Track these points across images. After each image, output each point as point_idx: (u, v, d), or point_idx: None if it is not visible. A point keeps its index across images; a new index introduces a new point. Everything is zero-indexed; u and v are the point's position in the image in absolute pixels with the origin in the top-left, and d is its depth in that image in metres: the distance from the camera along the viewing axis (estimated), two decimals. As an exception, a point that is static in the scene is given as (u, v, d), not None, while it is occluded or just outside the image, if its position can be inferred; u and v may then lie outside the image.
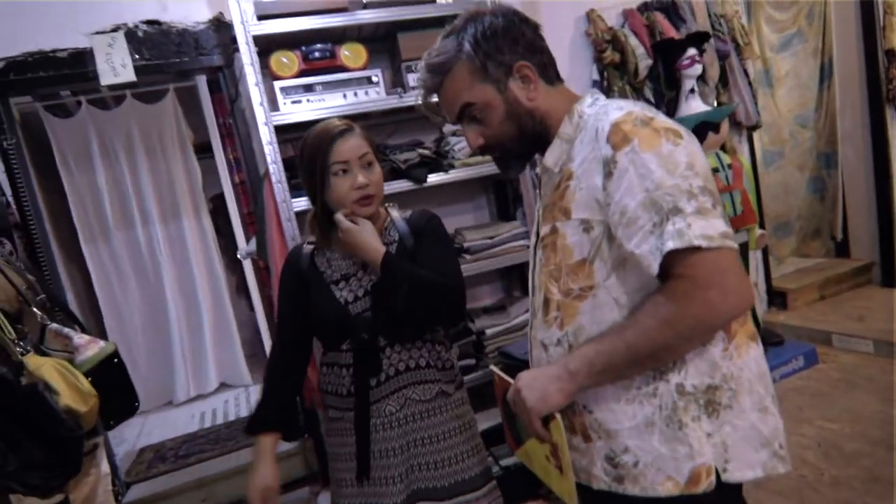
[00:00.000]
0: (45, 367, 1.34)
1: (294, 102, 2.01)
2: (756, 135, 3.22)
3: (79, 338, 1.50)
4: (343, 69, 2.08)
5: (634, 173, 0.74)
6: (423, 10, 2.11)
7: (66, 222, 3.29)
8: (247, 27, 1.88)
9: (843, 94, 3.42)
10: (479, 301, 2.57)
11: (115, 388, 1.52)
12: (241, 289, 4.11)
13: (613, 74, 2.64)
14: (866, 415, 2.19)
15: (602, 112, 0.82)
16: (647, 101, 2.71)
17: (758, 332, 0.88)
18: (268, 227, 2.08)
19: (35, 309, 1.49)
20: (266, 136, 1.94)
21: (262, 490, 1.14)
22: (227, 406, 3.30)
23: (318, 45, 2.05)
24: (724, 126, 2.61)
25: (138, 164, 3.41)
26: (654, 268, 0.73)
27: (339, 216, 1.14)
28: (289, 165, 1.96)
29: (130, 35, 2.05)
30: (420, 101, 0.97)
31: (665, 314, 0.73)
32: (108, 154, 3.35)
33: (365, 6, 2.08)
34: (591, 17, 2.63)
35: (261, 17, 1.94)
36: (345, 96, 2.06)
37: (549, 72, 0.89)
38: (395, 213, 1.25)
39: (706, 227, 0.71)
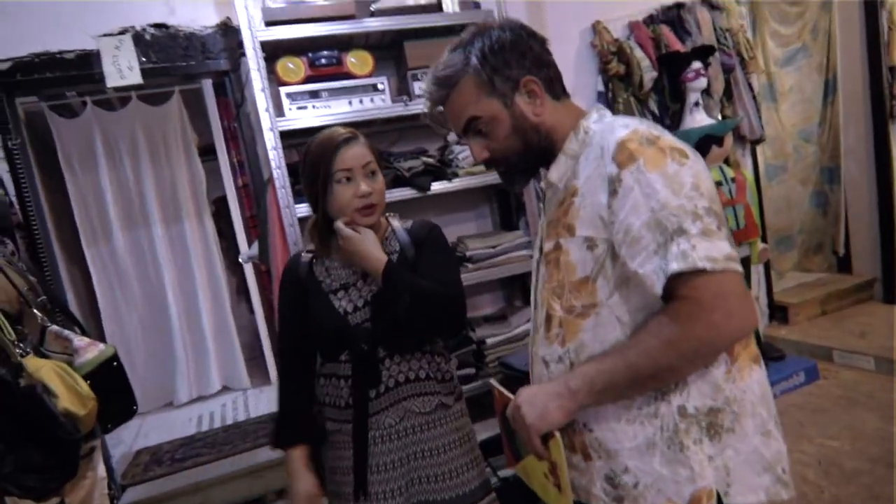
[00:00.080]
0: (44, 370, 1.33)
1: (299, 108, 2.02)
2: (759, 148, 3.23)
3: (78, 340, 1.50)
4: (349, 76, 2.09)
5: (640, 192, 0.73)
6: (429, 18, 2.12)
7: (68, 223, 3.29)
8: (254, 32, 1.88)
9: (847, 110, 3.42)
10: (479, 310, 2.57)
11: (113, 392, 1.52)
12: (241, 292, 4.10)
13: (618, 86, 2.65)
14: (867, 432, 2.18)
15: (608, 129, 0.81)
16: (652, 113, 2.72)
17: (759, 347, 0.87)
18: (270, 231, 2.08)
19: (35, 310, 1.49)
20: (271, 142, 1.94)
21: (307, 498, 1.16)
22: (224, 410, 3.28)
23: (325, 52, 2.06)
24: (728, 140, 2.62)
25: (142, 166, 3.41)
26: (658, 289, 0.72)
27: (340, 224, 1.13)
28: (293, 171, 1.97)
29: (138, 38, 2.06)
30: (426, 113, 0.96)
31: (668, 335, 0.73)
32: (112, 155, 3.36)
33: (372, 14, 2.09)
34: (596, 28, 2.64)
35: (268, 23, 1.95)
36: (350, 103, 2.07)
37: (555, 87, 0.89)
38: (396, 223, 1.24)
39: (711, 249, 0.70)
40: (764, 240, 3.02)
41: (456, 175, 2.18)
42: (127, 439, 2.97)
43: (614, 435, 0.82)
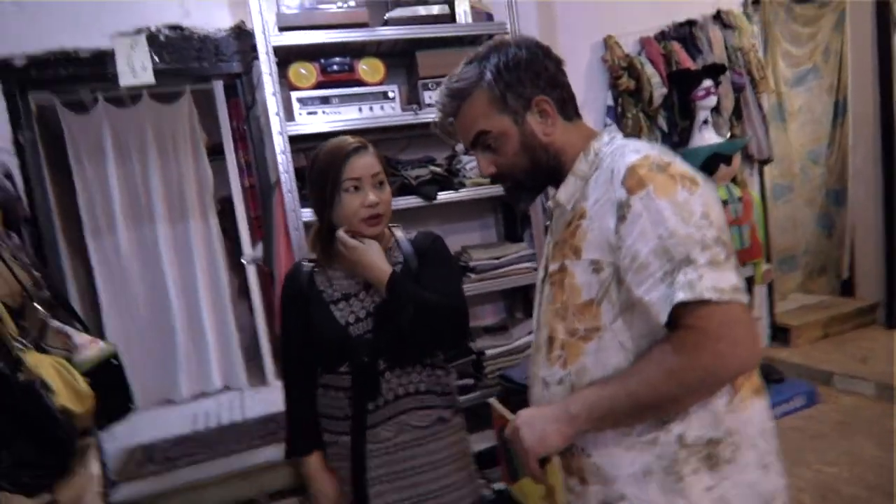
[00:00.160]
0: (43, 365, 1.33)
1: (310, 114, 2.03)
2: (766, 168, 3.22)
3: (79, 337, 1.50)
4: (360, 83, 2.09)
5: (648, 219, 0.73)
6: (442, 29, 2.13)
7: (73, 218, 3.30)
8: (268, 37, 1.89)
9: (856, 132, 3.42)
10: (480, 320, 2.56)
11: (111, 390, 1.52)
12: (242, 292, 4.10)
13: (628, 101, 2.65)
14: (865, 459, 2.16)
15: (619, 153, 0.81)
16: (661, 130, 2.72)
17: (759, 369, 0.86)
18: (275, 234, 2.09)
19: (37, 305, 1.49)
20: (280, 146, 1.95)
21: (331, 498, 1.18)
22: (220, 409, 3.27)
23: (337, 59, 2.06)
24: (737, 159, 2.62)
25: (150, 163, 3.42)
26: (663, 317, 0.72)
27: (342, 234, 1.12)
28: (300, 175, 1.97)
29: (152, 38, 2.07)
30: (436, 123, 0.96)
31: (671, 365, 0.72)
32: (120, 151, 3.37)
33: (385, 23, 2.10)
34: (608, 43, 2.65)
35: (282, 28, 1.96)
36: (360, 110, 2.07)
37: (567, 108, 0.89)
38: (400, 234, 1.24)
39: (718, 280, 0.70)
40: (768, 260, 3.01)
41: (463, 185, 2.19)
42: (121, 435, 2.95)
43: (612, 461, 0.82)
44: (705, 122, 2.62)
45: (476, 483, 1.22)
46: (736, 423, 0.79)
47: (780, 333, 3.27)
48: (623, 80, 2.61)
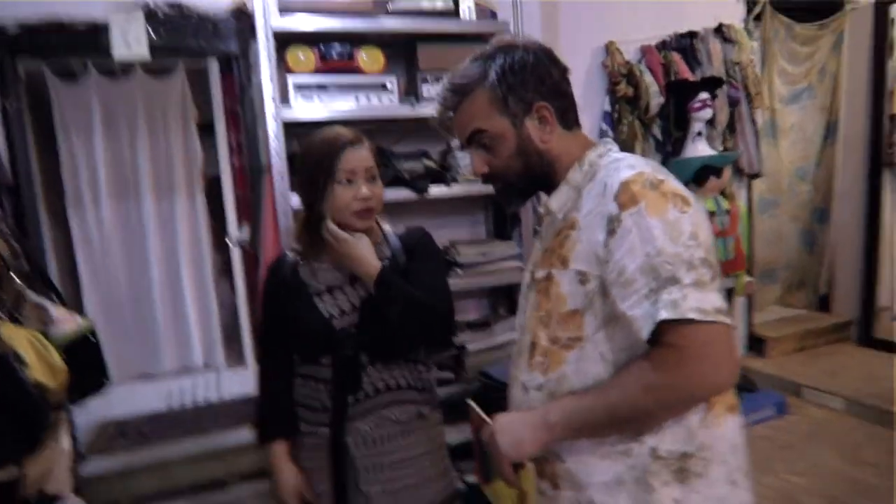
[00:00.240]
0: (17, 338, 1.31)
1: (306, 99, 2.00)
2: (755, 182, 3.26)
3: (56, 311, 1.48)
4: (359, 72, 2.07)
5: (637, 236, 0.74)
6: (445, 23, 2.11)
7: (56, 188, 3.24)
8: (268, 20, 1.87)
9: (845, 153, 3.48)
10: (463, 315, 2.57)
11: (87, 366, 1.50)
12: (224, 272, 4.07)
13: (625, 108, 2.66)
14: (829, 472, 2.22)
15: (613, 168, 0.82)
16: (655, 139, 2.74)
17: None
18: (263, 218, 2.08)
19: (14, 276, 1.46)
20: (273, 130, 1.93)
21: (293, 489, 1.18)
22: (196, 388, 3.25)
23: (337, 46, 2.04)
24: (727, 172, 2.65)
25: (138, 137, 3.35)
26: (645, 333, 0.73)
27: (332, 226, 1.12)
28: (292, 160, 1.95)
29: (150, 14, 2.03)
30: (435, 117, 0.96)
31: (651, 380, 0.73)
32: (109, 123, 3.29)
33: (388, 12, 2.08)
34: (609, 49, 2.65)
35: (283, 10, 1.93)
36: (357, 99, 2.05)
37: (567, 117, 0.89)
38: (388, 229, 1.24)
39: (701, 301, 0.71)
40: (750, 272, 3.06)
41: (455, 180, 2.19)
42: (93, 409, 2.92)
43: (585, 468, 0.83)
44: (699, 133, 2.64)
45: (451, 476, 1.24)
46: (709, 438, 0.80)
47: (756, 344, 3.34)
48: (621, 87, 2.62)
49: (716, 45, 2.79)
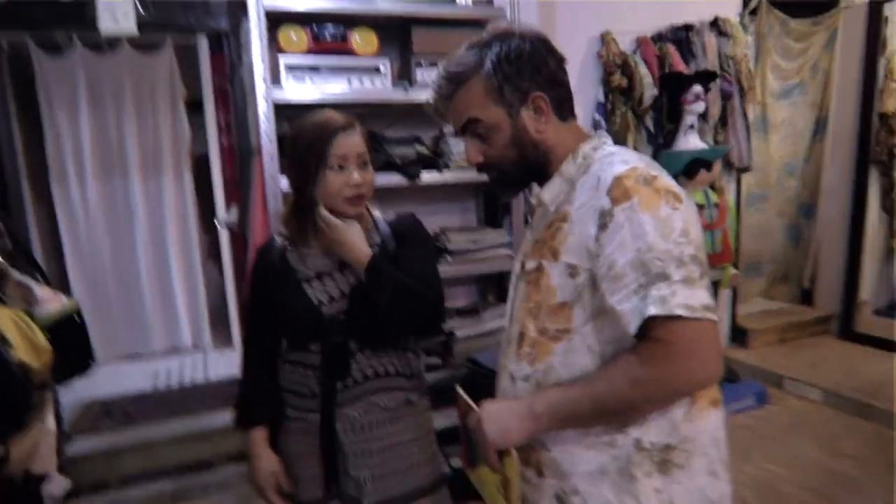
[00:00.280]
0: (0, 318, 1.30)
1: (297, 81, 1.97)
2: (744, 176, 3.29)
3: (41, 290, 1.46)
4: (352, 54, 2.04)
5: (629, 231, 0.74)
6: (440, 7, 2.08)
7: (40, 163, 3.18)
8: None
9: (834, 150, 3.51)
10: (452, 302, 2.58)
11: (71, 346, 1.49)
12: (211, 252, 4.04)
13: (619, 99, 2.65)
14: (807, 462, 2.27)
15: (607, 162, 0.82)
16: (647, 130, 2.74)
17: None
18: (252, 200, 2.05)
19: (-1, 255, 1.44)
20: (264, 111, 1.90)
21: (270, 475, 1.18)
22: (183, 369, 3.25)
23: (330, 26, 2.01)
24: (717, 165, 2.66)
25: (125, 114, 3.30)
26: (632, 328, 0.74)
27: (324, 212, 1.11)
28: (282, 142, 1.92)
29: (139, -14, 1.98)
30: (430, 104, 0.95)
31: (637, 374, 0.74)
32: (94, 99, 3.24)
33: (383, -6, 2.05)
34: (605, 38, 2.64)
35: (275, -12, 1.89)
36: (350, 82, 2.03)
37: (563, 107, 0.89)
38: (378, 215, 1.23)
39: (689, 297, 0.71)
40: (736, 265, 3.09)
41: (447, 167, 2.17)
42: (78, 388, 2.91)
43: (570, 457, 0.84)
44: (691, 126, 2.65)
45: (439, 461, 1.25)
46: (692, 431, 0.82)
47: (739, 335, 3.39)
48: (616, 78, 2.61)
49: (711, 39, 2.78)
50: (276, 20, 1.95)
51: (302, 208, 1.15)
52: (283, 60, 1.95)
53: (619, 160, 0.81)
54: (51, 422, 1.44)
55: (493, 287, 2.61)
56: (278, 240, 1.20)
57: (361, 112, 2.30)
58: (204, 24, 2.13)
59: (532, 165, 0.89)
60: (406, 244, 1.18)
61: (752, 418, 2.66)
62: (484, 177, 0.95)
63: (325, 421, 1.12)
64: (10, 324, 1.28)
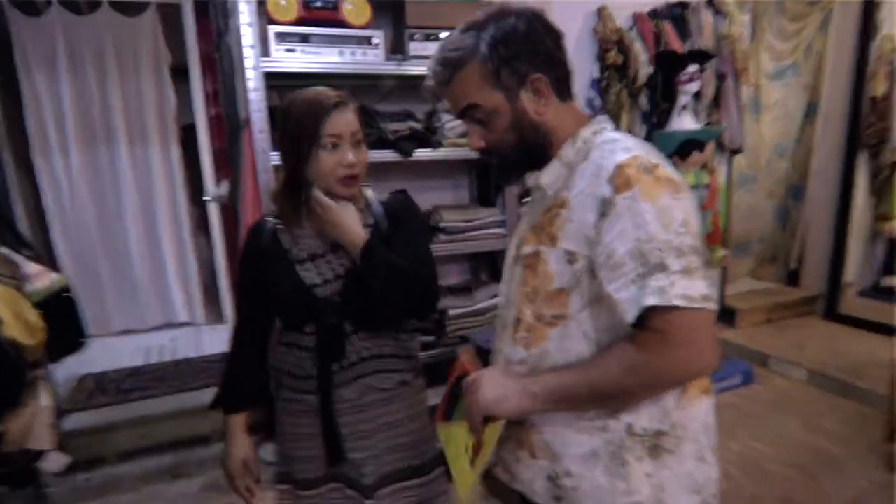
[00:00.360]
0: (-10, 294, 1.27)
1: (287, 51, 1.92)
2: (735, 156, 3.29)
3: (29, 266, 1.43)
4: (343, 24, 1.99)
5: (630, 220, 0.74)
6: (436, -23, 2.02)
7: (19, 130, 3.08)
8: (249, -38, 1.76)
9: (824, 132, 3.52)
10: (445, 279, 2.58)
11: (63, 322, 1.47)
12: (200, 226, 3.98)
13: (613, 76, 2.63)
14: (792, 439, 2.34)
15: (608, 149, 0.81)
16: (641, 109, 2.72)
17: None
18: (242, 175, 2.01)
19: (-16, 230, 1.41)
20: (253, 82, 1.85)
21: (241, 461, 1.18)
22: (176, 344, 3.24)
23: (322, -6, 1.94)
24: (709, 146, 2.66)
25: (107, 79, 3.20)
26: (629, 317, 0.74)
27: (318, 193, 1.08)
28: (272, 114, 1.88)
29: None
30: (428, 88, 0.93)
31: (633, 362, 0.75)
32: (74, 63, 3.13)
33: (377, -38, 1.98)
34: (601, 14, 2.60)
35: (265, -47, 1.82)
36: (341, 53, 1.98)
37: (563, 87, 0.87)
38: (371, 195, 1.21)
39: (688, 288, 0.72)
40: (725, 245, 3.12)
41: (441, 144, 2.15)
42: (70, 364, 2.90)
43: (562, 440, 0.85)
44: (685, 106, 2.63)
45: (433, 440, 1.26)
46: (682, 418, 0.83)
47: (726, 315, 3.45)
48: (611, 55, 2.58)
49: (707, 17, 2.75)
50: (266, -14, 1.89)
51: (293, 187, 1.12)
52: (273, 29, 1.90)
53: (622, 147, 0.80)
54: (46, 399, 1.44)
55: (486, 265, 2.61)
56: (270, 220, 1.17)
57: (353, 84, 2.27)
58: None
59: (532, 148, 0.88)
60: (400, 225, 1.16)
61: (738, 397, 2.72)
62: (476, 154, 0.93)
63: (323, 402, 1.12)
64: (1, 302, 1.26)
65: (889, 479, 2.03)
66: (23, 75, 3.00)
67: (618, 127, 0.93)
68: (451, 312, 2.28)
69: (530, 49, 0.83)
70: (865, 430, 2.34)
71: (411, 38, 2.08)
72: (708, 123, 2.88)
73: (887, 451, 2.13)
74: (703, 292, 0.73)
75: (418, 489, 1.20)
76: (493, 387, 0.84)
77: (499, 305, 0.99)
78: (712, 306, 0.74)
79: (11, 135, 2.94)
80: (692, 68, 2.54)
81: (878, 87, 3.17)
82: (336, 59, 1.97)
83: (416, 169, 2.36)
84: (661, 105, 2.73)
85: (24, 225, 2.88)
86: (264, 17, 1.91)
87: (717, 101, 2.90)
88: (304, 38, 1.94)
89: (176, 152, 3.42)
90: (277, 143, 1.16)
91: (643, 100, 2.72)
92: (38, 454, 1.42)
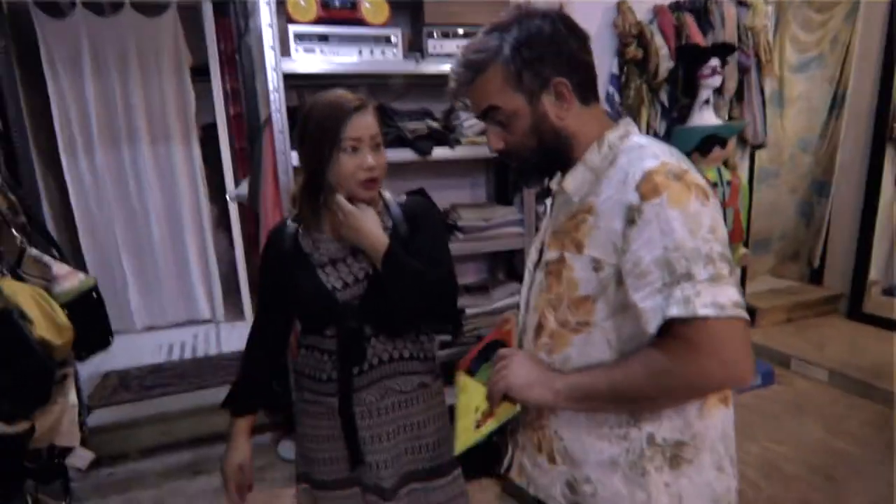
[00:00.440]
0: (21, 295, 1.30)
1: (307, 51, 1.92)
2: (757, 151, 3.23)
3: (58, 267, 1.46)
4: (362, 23, 1.99)
5: (657, 228, 0.73)
6: (454, -25, 2.01)
7: (46, 130, 3.15)
8: (269, -37, 1.77)
9: (850, 126, 3.44)
10: (462, 278, 2.58)
11: (90, 322, 1.50)
12: (220, 223, 4.04)
13: (633, 71, 2.59)
14: (810, 442, 2.31)
15: (636, 156, 0.80)
16: (661, 104, 2.68)
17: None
18: (263, 175, 2.03)
19: (14, 231, 1.44)
20: (273, 83, 1.86)
21: (237, 465, 1.18)
22: (196, 340, 3.29)
23: (340, -7, 1.95)
24: (731, 142, 2.61)
25: (130, 79, 3.25)
26: (652, 327, 0.73)
27: (341, 198, 1.09)
28: (292, 114, 1.89)
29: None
30: (451, 90, 0.92)
31: (658, 367, 0.74)
32: (98, 63, 3.19)
33: (395, -40, 1.98)
34: (621, 7, 2.56)
35: (284, -46, 1.83)
36: (360, 53, 1.98)
37: (586, 90, 0.86)
38: (389, 197, 1.21)
39: (717, 295, 0.70)
40: (746, 243, 3.07)
41: (458, 142, 2.14)
42: (95, 360, 2.96)
43: (582, 447, 0.85)
44: (706, 101, 2.58)
45: (451, 441, 1.26)
46: (702, 428, 0.82)
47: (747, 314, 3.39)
48: (631, 49, 2.54)
49: (730, 9, 2.69)
50: (285, -14, 1.89)
51: (313, 190, 1.13)
52: (293, 30, 1.91)
53: (650, 154, 0.79)
54: (73, 397, 1.47)
55: (503, 264, 2.60)
56: (290, 224, 1.18)
57: (371, 83, 2.27)
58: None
59: (553, 152, 0.87)
60: (419, 229, 1.16)
61: (758, 397, 2.69)
62: (494, 153, 0.93)
63: (343, 405, 1.13)
64: (31, 302, 1.29)
65: (914, 482, 2.00)
66: (49, 76, 3.07)
67: (637, 122, 0.92)
68: (469, 311, 2.27)
69: (554, 52, 0.83)
70: (885, 431, 2.31)
71: (429, 35, 2.07)
72: (730, 118, 2.83)
73: (911, 453, 2.09)
74: (734, 299, 0.71)
75: (436, 491, 1.21)
76: (522, 372, 0.84)
77: (519, 309, 0.99)
78: (744, 314, 0.72)
79: (37, 137, 3.00)
80: (714, 62, 2.49)
81: (908, 80, 3.09)
82: (355, 58, 1.97)
83: (433, 167, 2.36)
84: (682, 100, 2.68)
85: (51, 225, 2.94)
86: (284, 16, 1.92)
87: (739, 95, 2.84)
88: (324, 38, 1.94)
89: (197, 151, 3.47)
90: (298, 148, 1.16)
91: (663, 95, 2.68)
92: (66, 450, 1.45)
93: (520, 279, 1.16)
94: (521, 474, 0.95)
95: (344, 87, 1.17)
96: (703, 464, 0.82)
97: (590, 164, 0.85)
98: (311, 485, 1.22)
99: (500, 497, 2.00)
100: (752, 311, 3.40)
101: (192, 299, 3.56)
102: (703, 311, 0.69)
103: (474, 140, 2.14)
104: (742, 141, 2.99)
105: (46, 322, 1.31)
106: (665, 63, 2.56)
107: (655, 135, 2.66)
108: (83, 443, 1.49)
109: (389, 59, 2.01)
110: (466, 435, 0.91)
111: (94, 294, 1.49)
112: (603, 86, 2.63)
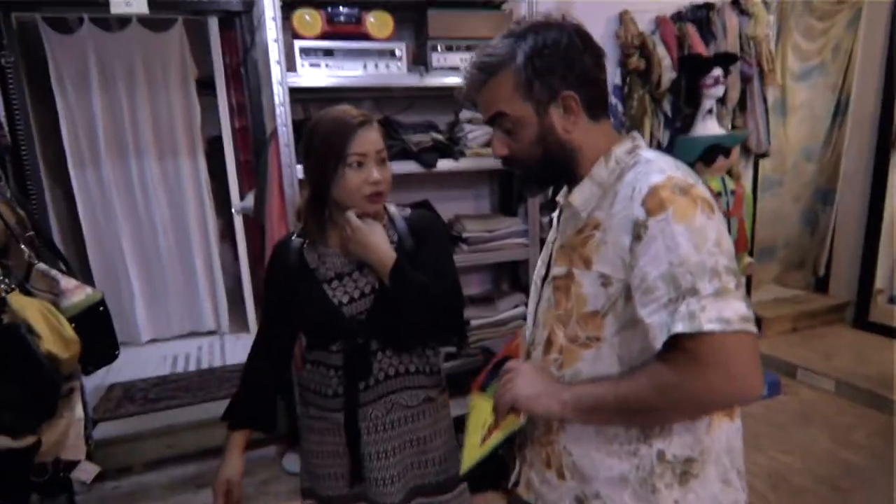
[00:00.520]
0: (29, 309, 1.31)
1: (312, 65, 1.94)
2: (760, 161, 3.23)
3: (65, 281, 1.47)
4: (367, 37, 2.01)
5: (662, 243, 0.73)
6: (458, -10, 2.04)
7: (54, 144, 3.18)
8: (275, -20, 1.79)
9: (853, 134, 3.43)
10: (466, 289, 2.57)
11: (97, 336, 1.51)
12: (225, 236, 4.06)
13: (636, 82, 2.60)
14: (817, 452, 2.29)
15: (643, 171, 0.80)
16: (664, 114, 2.69)
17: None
18: (268, 188, 2.04)
19: (23, 245, 1.45)
20: (279, 97, 1.88)
21: (226, 482, 1.16)
22: (201, 352, 3.29)
23: (345, 8, 1.97)
24: (735, 151, 2.62)
25: (137, 93, 3.29)
26: (658, 343, 0.73)
27: (351, 214, 1.09)
28: (298, 128, 1.91)
29: (150, -32, 1.94)
30: (461, 92, 0.92)
31: (665, 381, 0.74)
32: (106, 78, 3.22)
33: (399, -25, 2.00)
34: (623, 18, 2.57)
35: (290, -30, 1.85)
36: (365, 66, 2.00)
37: (595, 107, 0.86)
38: (394, 210, 1.21)
39: (723, 309, 0.69)
40: (751, 252, 3.07)
41: (463, 154, 2.15)
42: (99, 372, 2.97)
43: (591, 462, 0.85)
44: (709, 111, 2.59)
45: (458, 456, 1.26)
46: (710, 442, 0.82)
47: (751, 323, 3.38)
48: (633, 60, 2.56)
49: (732, 19, 2.71)
50: (290, 1, 1.92)
51: (318, 204, 1.14)
52: (298, 45, 1.93)
53: (656, 168, 0.79)
54: (79, 410, 1.47)
55: (508, 275, 2.61)
56: (295, 239, 1.19)
57: (376, 97, 2.29)
58: (216, 5, 2.10)
59: (557, 164, 0.87)
60: (425, 242, 1.16)
61: (764, 407, 2.66)
62: (498, 164, 0.93)
63: (349, 420, 1.13)
64: (39, 316, 1.30)
65: (923, 493, 1.98)
66: (57, 91, 3.11)
67: (640, 132, 0.92)
68: (474, 323, 2.27)
69: (566, 65, 0.83)
70: (893, 441, 2.28)
71: (433, 49, 2.09)
72: (733, 127, 2.83)
73: (921, 464, 2.07)
74: (742, 313, 0.70)
75: (442, 506, 1.20)
76: (528, 383, 0.84)
77: (526, 323, 0.99)
78: (752, 327, 0.71)
79: (45, 151, 3.03)
80: (716, 72, 2.50)
81: (911, 87, 3.09)
82: (359, 72, 1.99)
83: (437, 179, 2.37)
84: (685, 110, 2.69)
85: (58, 238, 2.96)
86: (289, 31, 1.94)
87: (742, 105, 2.85)
88: (329, 52, 1.97)
89: (203, 164, 3.50)
90: (304, 163, 1.17)
91: (666, 105, 2.69)
92: (71, 464, 1.45)
93: (525, 289, 1.16)
94: (528, 490, 0.95)
95: (349, 100, 1.19)
96: (707, 477, 0.82)
97: (597, 179, 0.85)
98: (316, 500, 1.21)
99: (507, 510, 1.98)
100: (757, 320, 3.31)
101: (197, 311, 3.57)
102: (708, 327, 0.69)
103: (479, 151, 2.15)
104: (745, 150, 3.00)
105: (54, 336, 1.32)
106: (668, 73, 2.58)
107: (659, 145, 2.66)
108: (88, 456, 1.49)
109: (394, 72, 2.03)
110: (471, 451, 0.91)
111: (101, 308, 1.50)
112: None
